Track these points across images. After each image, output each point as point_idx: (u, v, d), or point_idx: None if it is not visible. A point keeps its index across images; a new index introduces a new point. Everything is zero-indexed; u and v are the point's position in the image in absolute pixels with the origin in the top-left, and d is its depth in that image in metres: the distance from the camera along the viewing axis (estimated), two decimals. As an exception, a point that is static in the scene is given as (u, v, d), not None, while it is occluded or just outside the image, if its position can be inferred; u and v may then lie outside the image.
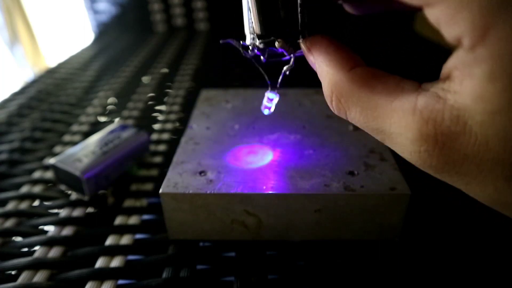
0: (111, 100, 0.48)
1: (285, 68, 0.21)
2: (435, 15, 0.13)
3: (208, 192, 0.23)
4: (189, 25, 0.77)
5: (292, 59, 0.20)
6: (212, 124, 0.31)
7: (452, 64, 0.13)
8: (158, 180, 0.31)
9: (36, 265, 0.24)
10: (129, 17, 0.77)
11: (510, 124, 0.12)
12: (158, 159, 0.35)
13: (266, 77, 0.23)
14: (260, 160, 0.26)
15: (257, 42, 0.19)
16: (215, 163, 0.26)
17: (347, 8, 0.20)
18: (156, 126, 0.41)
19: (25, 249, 0.26)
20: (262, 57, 0.20)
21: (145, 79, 0.54)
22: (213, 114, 0.33)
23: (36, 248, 0.26)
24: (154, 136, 0.38)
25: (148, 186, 0.31)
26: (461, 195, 0.16)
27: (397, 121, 0.14)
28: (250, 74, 0.53)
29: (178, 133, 0.38)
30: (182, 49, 0.66)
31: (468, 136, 0.13)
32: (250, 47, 0.20)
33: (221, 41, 0.21)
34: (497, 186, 0.13)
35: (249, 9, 0.19)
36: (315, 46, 0.18)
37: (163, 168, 0.33)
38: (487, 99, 0.12)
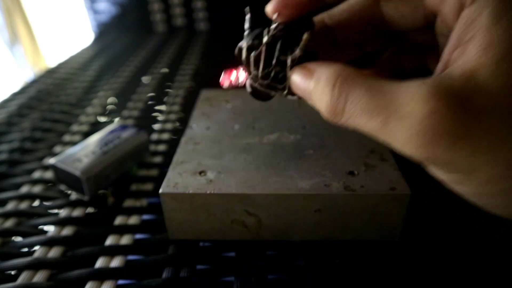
0: (111, 100, 0.48)
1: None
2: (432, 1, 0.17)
3: (208, 192, 0.23)
4: (189, 25, 0.77)
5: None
6: (212, 124, 0.31)
7: (454, 38, 0.15)
8: (158, 180, 0.31)
9: (36, 265, 0.24)
10: (129, 17, 0.77)
11: None
12: (158, 159, 0.35)
13: None
14: None
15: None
16: (215, 163, 0.26)
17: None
18: (156, 126, 0.41)
19: (25, 249, 0.26)
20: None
21: (145, 79, 0.54)
22: (213, 114, 0.33)
23: (36, 248, 0.26)
24: (154, 136, 0.38)
25: (148, 186, 0.31)
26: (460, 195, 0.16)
27: (405, 91, 0.14)
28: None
29: (178, 133, 0.38)
30: (182, 49, 0.66)
31: (481, 91, 0.13)
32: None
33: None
34: None
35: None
36: (310, 63, 0.19)
37: (163, 168, 0.33)
38: (496, 43, 0.13)
